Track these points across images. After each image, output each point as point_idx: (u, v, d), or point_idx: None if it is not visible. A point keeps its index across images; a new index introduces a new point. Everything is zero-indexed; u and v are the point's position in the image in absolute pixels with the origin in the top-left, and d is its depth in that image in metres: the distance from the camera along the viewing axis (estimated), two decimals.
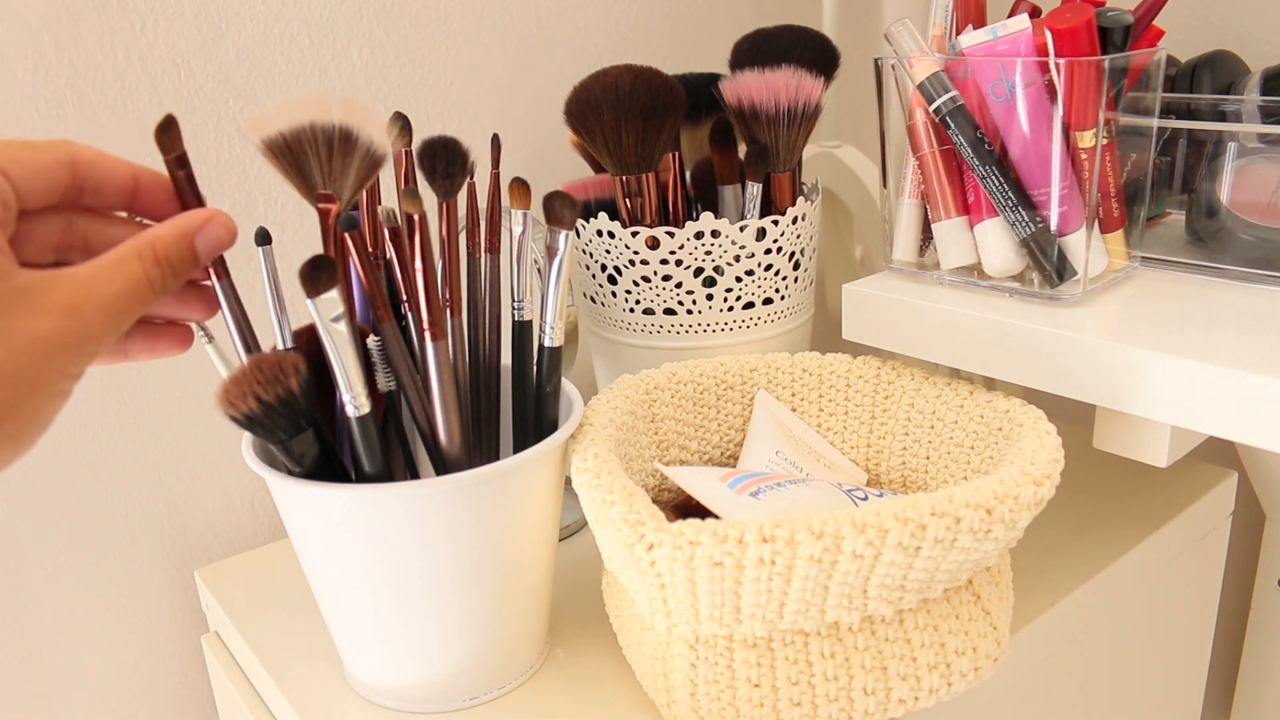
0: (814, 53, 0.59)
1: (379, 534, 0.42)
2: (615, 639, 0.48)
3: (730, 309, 0.58)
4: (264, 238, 0.43)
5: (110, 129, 0.57)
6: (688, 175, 0.62)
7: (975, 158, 0.50)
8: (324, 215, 0.42)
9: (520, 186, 0.47)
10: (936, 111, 0.51)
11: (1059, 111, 0.48)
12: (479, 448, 0.49)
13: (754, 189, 0.58)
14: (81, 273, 0.32)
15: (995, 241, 0.52)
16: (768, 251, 0.57)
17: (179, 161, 0.39)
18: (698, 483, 0.46)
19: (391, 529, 0.42)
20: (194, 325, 0.44)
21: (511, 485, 0.43)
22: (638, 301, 0.58)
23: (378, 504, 0.41)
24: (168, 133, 0.39)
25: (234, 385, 0.37)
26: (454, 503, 0.42)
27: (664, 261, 0.57)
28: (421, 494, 0.41)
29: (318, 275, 0.38)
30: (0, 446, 0.30)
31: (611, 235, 0.57)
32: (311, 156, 0.41)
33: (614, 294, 0.59)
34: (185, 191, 0.39)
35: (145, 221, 0.38)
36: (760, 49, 0.60)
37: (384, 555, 0.42)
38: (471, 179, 0.48)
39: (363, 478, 0.43)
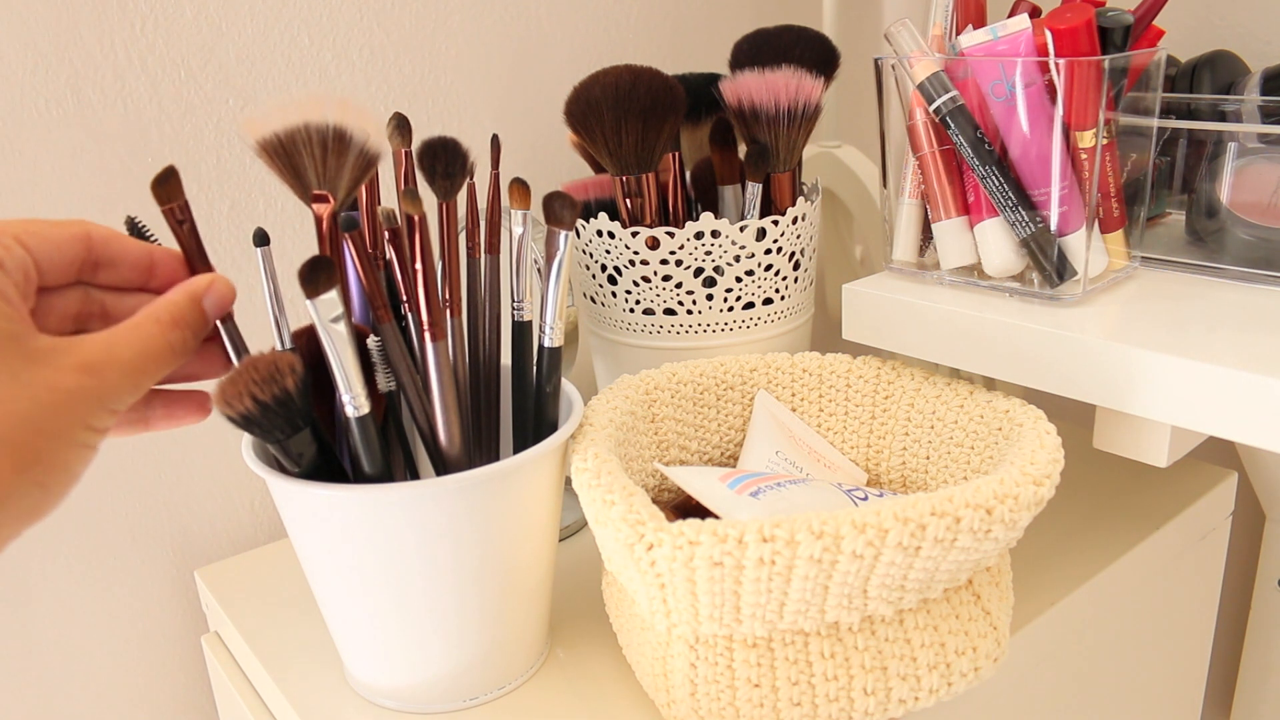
0: (814, 53, 0.59)
1: (379, 534, 0.42)
2: (615, 639, 0.48)
3: (730, 309, 0.58)
4: (262, 239, 0.43)
5: (110, 129, 0.57)
6: (688, 175, 0.62)
7: (975, 158, 0.50)
8: (318, 215, 0.42)
9: (520, 187, 0.47)
10: (936, 111, 0.51)
11: (1059, 111, 0.48)
12: (479, 448, 0.49)
13: (754, 189, 0.57)
14: (101, 336, 0.33)
15: (995, 241, 0.52)
16: (768, 251, 0.57)
17: (178, 213, 0.39)
18: (698, 483, 0.46)
19: (391, 529, 0.42)
20: None
21: (511, 485, 0.43)
22: (638, 301, 0.58)
23: (378, 504, 0.41)
24: (165, 184, 0.39)
25: (230, 385, 0.37)
26: (454, 503, 0.42)
27: (664, 261, 0.57)
28: (421, 494, 0.41)
29: (316, 276, 0.38)
30: (28, 492, 0.30)
31: (611, 235, 0.57)
32: (306, 156, 0.41)
33: (614, 294, 0.59)
34: (189, 245, 0.39)
35: None
36: (760, 49, 0.60)
37: (384, 555, 0.42)
38: (471, 179, 0.48)
39: (362, 478, 0.43)
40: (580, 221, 0.59)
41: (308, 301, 0.38)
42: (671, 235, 0.56)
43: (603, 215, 0.57)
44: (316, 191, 0.42)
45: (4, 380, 0.30)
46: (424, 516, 0.42)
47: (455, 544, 0.43)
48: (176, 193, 0.39)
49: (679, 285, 0.57)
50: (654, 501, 0.42)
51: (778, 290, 0.59)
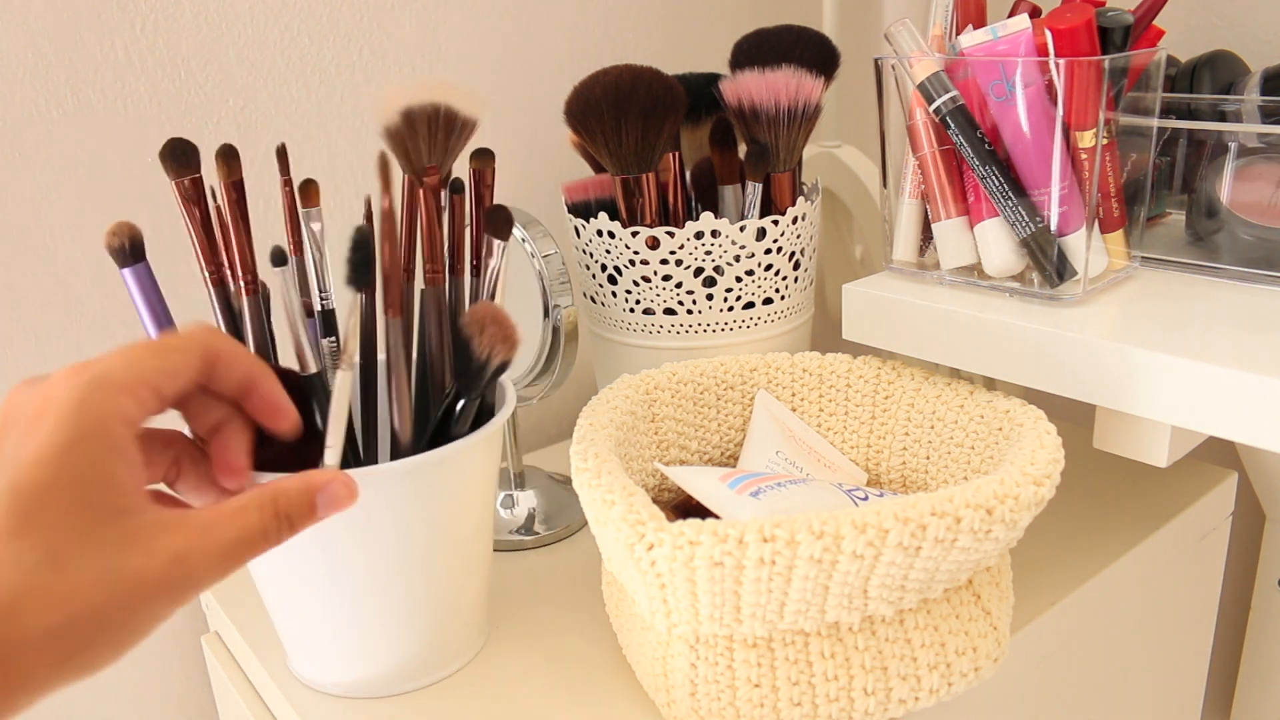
0: (814, 53, 0.59)
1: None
2: (615, 639, 0.48)
3: (730, 309, 0.58)
4: (280, 259, 0.42)
5: (110, 129, 0.57)
6: (688, 175, 0.62)
7: (975, 158, 0.50)
8: (427, 189, 0.44)
9: (311, 186, 0.46)
10: (936, 111, 0.51)
11: (1059, 111, 0.48)
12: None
13: (754, 189, 0.57)
14: (202, 518, 0.32)
15: (995, 241, 0.52)
16: (768, 251, 0.57)
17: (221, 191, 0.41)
18: (698, 483, 0.46)
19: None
20: None
21: (448, 474, 0.44)
22: (638, 301, 0.58)
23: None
24: (228, 160, 0.42)
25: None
26: (392, 489, 0.43)
27: (664, 261, 0.57)
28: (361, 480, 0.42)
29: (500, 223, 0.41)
30: (65, 674, 0.28)
31: (611, 235, 0.57)
32: (421, 136, 0.44)
33: (614, 294, 0.59)
34: (237, 222, 0.42)
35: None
36: (760, 49, 0.60)
37: (321, 540, 0.43)
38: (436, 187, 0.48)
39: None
40: (580, 221, 0.59)
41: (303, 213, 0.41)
42: (671, 235, 0.56)
43: (603, 215, 0.57)
44: (429, 164, 0.45)
45: (89, 565, 0.28)
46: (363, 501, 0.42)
47: (393, 530, 0.43)
48: (236, 169, 0.42)
49: (679, 285, 0.57)
50: (654, 501, 0.42)
51: (778, 290, 0.59)
